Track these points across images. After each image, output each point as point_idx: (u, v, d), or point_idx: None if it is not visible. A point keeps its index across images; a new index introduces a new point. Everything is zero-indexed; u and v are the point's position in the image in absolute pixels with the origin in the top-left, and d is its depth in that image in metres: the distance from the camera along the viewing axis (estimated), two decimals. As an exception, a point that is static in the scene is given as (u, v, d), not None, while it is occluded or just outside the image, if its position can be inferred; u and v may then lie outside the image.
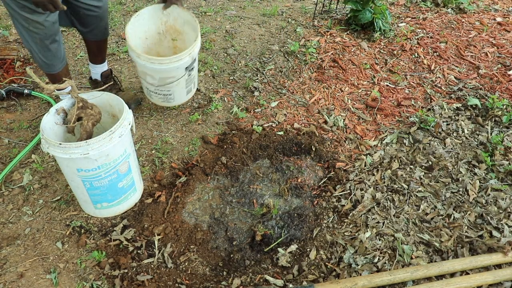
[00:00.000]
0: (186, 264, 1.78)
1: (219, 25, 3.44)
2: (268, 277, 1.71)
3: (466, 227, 1.84)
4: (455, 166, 2.14)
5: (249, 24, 3.48)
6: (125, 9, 3.59)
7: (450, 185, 2.05)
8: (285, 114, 2.53)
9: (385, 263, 1.71)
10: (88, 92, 1.83)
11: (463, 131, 2.37)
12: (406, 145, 2.32)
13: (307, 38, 3.26)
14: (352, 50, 3.10)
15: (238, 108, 2.56)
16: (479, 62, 2.98)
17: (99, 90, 1.81)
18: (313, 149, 2.27)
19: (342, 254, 1.77)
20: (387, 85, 2.78)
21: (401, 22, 3.49)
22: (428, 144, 2.27)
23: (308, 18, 3.58)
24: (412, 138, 2.35)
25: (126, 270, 1.72)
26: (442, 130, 2.37)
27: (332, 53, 3.05)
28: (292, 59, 3.02)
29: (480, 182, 2.05)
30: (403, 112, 2.56)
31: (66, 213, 1.94)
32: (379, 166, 2.19)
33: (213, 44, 3.18)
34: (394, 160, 2.21)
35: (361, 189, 2.05)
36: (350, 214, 1.93)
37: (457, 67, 2.95)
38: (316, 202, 2.04)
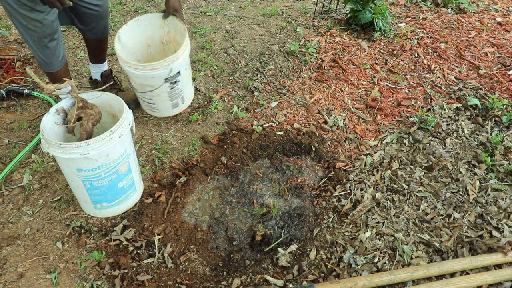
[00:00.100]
0: (186, 264, 1.78)
1: (219, 25, 3.44)
2: (268, 277, 1.71)
3: (466, 227, 1.84)
4: (455, 166, 2.14)
5: (249, 24, 3.48)
6: (125, 9, 3.60)
7: (450, 185, 2.05)
8: (285, 114, 2.53)
9: (385, 263, 1.71)
10: (88, 92, 1.83)
11: (463, 131, 2.37)
12: (406, 145, 2.32)
13: (307, 38, 3.26)
14: (352, 50, 3.10)
15: (238, 108, 2.56)
16: (479, 62, 2.98)
17: (99, 90, 1.81)
18: (313, 149, 2.27)
19: (342, 254, 1.77)
20: (387, 85, 2.78)
21: (401, 22, 3.49)
22: (428, 144, 2.28)
23: (308, 18, 3.58)
24: (412, 138, 2.35)
25: (126, 270, 1.72)
26: (442, 130, 2.37)
27: (332, 53, 3.05)
28: (292, 59, 3.02)
29: (480, 182, 2.05)
30: (403, 112, 2.56)
31: (66, 213, 1.94)
32: (379, 166, 2.19)
33: (213, 44, 3.18)
34: (394, 160, 2.21)
35: (361, 189, 2.05)
36: (350, 214, 1.93)
37: (457, 67, 2.95)
38: (316, 202, 2.04)
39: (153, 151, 2.27)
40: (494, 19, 3.51)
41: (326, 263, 1.75)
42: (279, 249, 1.82)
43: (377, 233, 1.83)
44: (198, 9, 3.68)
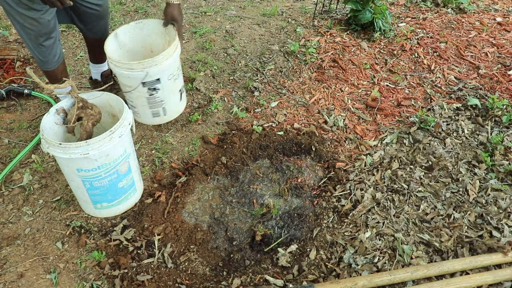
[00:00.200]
0: (186, 264, 1.78)
1: (219, 25, 3.44)
2: (268, 277, 1.71)
3: (466, 227, 1.84)
4: (455, 166, 2.14)
5: (249, 24, 3.48)
6: (125, 9, 3.60)
7: (450, 185, 2.05)
8: (285, 114, 2.53)
9: (385, 263, 1.71)
10: (88, 92, 1.83)
11: (463, 131, 2.37)
12: (406, 145, 2.32)
13: (307, 38, 3.26)
14: (352, 50, 3.10)
15: (238, 108, 2.56)
16: (479, 62, 2.98)
17: (99, 90, 1.81)
18: (313, 149, 2.27)
19: (342, 254, 1.77)
20: (387, 85, 2.78)
21: (401, 22, 3.49)
22: (428, 144, 2.28)
23: (308, 18, 3.58)
24: (412, 138, 2.35)
25: (126, 270, 1.72)
26: (442, 130, 2.37)
27: (332, 53, 3.05)
28: (292, 59, 3.02)
29: (480, 182, 2.05)
30: (403, 112, 2.56)
31: (66, 213, 1.94)
32: (379, 166, 2.19)
33: (213, 44, 3.18)
34: (394, 160, 2.21)
35: (361, 189, 2.05)
36: (350, 214, 1.93)
37: (457, 67, 2.95)
38: (316, 202, 2.04)
39: (153, 151, 2.27)
40: (494, 19, 3.51)
41: (326, 263, 1.75)
42: (279, 249, 1.82)
43: (377, 233, 1.83)
44: (198, 9, 3.68)
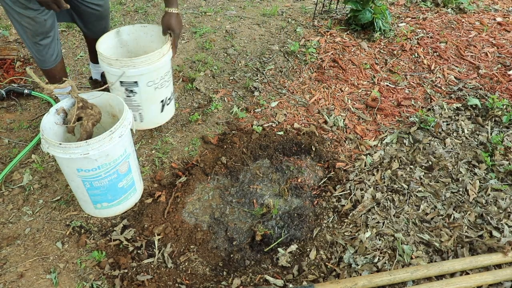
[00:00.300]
0: (186, 264, 1.78)
1: (219, 25, 3.44)
2: (268, 277, 1.71)
3: (466, 227, 1.84)
4: (455, 166, 2.14)
5: (249, 24, 3.48)
6: (125, 9, 3.60)
7: (450, 185, 2.05)
8: (285, 114, 2.53)
9: (385, 263, 1.71)
10: (88, 92, 1.83)
11: (463, 131, 2.37)
12: (406, 145, 2.32)
13: (307, 38, 3.26)
14: (352, 50, 3.10)
15: (238, 108, 2.56)
16: (479, 62, 2.98)
17: (99, 90, 1.81)
18: (313, 149, 2.27)
19: (342, 254, 1.77)
20: (387, 85, 2.78)
21: (401, 22, 3.49)
22: (428, 144, 2.28)
23: (308, 18, 3.58)
24: (412, 138, 2.35)
25: (126, 270, 1.72)
26: (442, 130, 2.37)
27: (332, 53, 3.05)
28: (292, 59, 3.02)
29: (480, 182, 2.05)
30: (403, 112, 2.56)
31: (66, 213, 1.94)
32: (379, 166, 2.19)
33: (213, 44, 3.18)
34: (394, 160, 2.21)
35: (361, 189, 2.05)
36: (350, 214, 1.93)
37: (457, 67, 2.95)
38: (316, 202, 2.04)
39: (153, 151, 2.27)
40: (494, 19, 3.51)
41: (326, 263, 1.75)
42: (279, 249, 1.82)
43: (377, 233, 1.83)
44: (198, 9, 3.68)
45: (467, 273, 1.67)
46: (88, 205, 1.86)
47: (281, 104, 2.61)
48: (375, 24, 3.20)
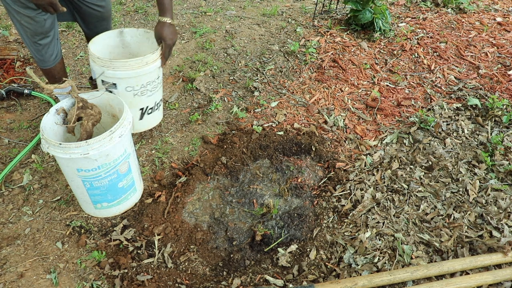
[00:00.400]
0: (186, 264, 1.78)
1: (219, 25, 3.44)
2: (268, 277, 1.71)
3: (466, 227, 1.84)
4: (455, 166, 2.14)
5: (249, 24, 3.48)
6: (125, 9, 3.60)
7: (450, 185, 2.05)
8: (285, 114, 2.53)
9: (385, 263, 1.71)
10: (88, 92, 1.83)
11: (463, 131, 2.37)
12: (406, 145, 2.32)
13: (307, 38, 3.26)
14: (352, 50, 3.10)
15: (238, 108, 2.56)
16: (479, 62, 2.98)
17: (99, 90, 1.81)
18: (313, 149, 2.27)
19: (342, 254, 1.77)
20: (387, 85, 2.78)
21: (401, 22, 3.49)
22: (428, 144, 2.27)
23: (308, 18, 3.58)
24: (412, 138, 2.35)
25: (126, 270, 1.72)
26: (442, 130, 2.37)
27: (332, 53, 3.05)
28: (292, 59, 3.02)
29: (480, 182, 2.05)
30: (403, 112, 2.56)
31: (66, 213, 1.94)
32: (379, 166, 2.19)
33: (213, 44, 3.18)
34: (394, 160, 2.21)
35: (361, 189, 2.05)
36: (350, 214, 1.93)
37: (457, 67, 2.95)
38: (316, 202, 2.04)
39: (153, 151, 2.27)
40: (494, 19, 3.51)
41: (326, 263, 1.75)
42: (279, 249, 1.82)
43: (377, 233, 1.83)
44: (198, 9, 3.68)
45: (467, 273, 1.67)
46: (88, 205, 1.86)
47: (281, 104, 2.61)
48: (375, 24, 3.20)
